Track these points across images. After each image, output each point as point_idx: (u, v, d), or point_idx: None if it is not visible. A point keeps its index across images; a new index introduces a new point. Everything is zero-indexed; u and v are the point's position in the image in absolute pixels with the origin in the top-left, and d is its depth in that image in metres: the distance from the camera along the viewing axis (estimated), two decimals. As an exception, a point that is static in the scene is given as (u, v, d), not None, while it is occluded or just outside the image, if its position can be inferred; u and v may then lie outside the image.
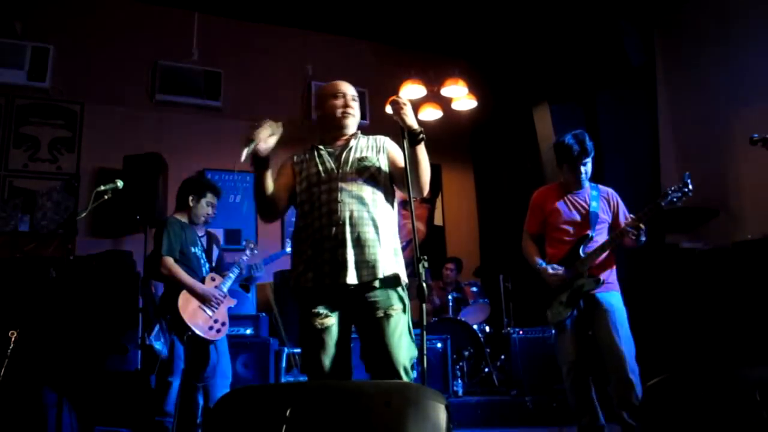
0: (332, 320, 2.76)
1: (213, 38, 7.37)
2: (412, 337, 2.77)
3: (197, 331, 4.11)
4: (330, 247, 2.77)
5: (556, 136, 4.12)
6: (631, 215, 3.77)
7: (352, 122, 3.03)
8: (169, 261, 4.21)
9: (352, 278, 2.73)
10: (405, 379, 2.72)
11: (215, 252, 4.88)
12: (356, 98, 3.06)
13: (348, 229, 2.77)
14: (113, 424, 5.17)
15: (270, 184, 2.90)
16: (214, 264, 4.77)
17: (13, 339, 4.05)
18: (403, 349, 2.71)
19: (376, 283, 2.76)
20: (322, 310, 2.77)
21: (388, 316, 2.73)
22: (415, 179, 2.78)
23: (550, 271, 3.83)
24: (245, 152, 2.74)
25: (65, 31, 6.76)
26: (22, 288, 5.08)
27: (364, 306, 2.77)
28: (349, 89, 3.05)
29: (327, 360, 2.73)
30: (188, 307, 4.17)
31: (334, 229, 2.77)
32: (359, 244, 2.77)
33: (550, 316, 3.88)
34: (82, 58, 6.77)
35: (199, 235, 4.77)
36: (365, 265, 2.76)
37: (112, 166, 6.31)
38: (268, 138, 2.80)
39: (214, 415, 1.86)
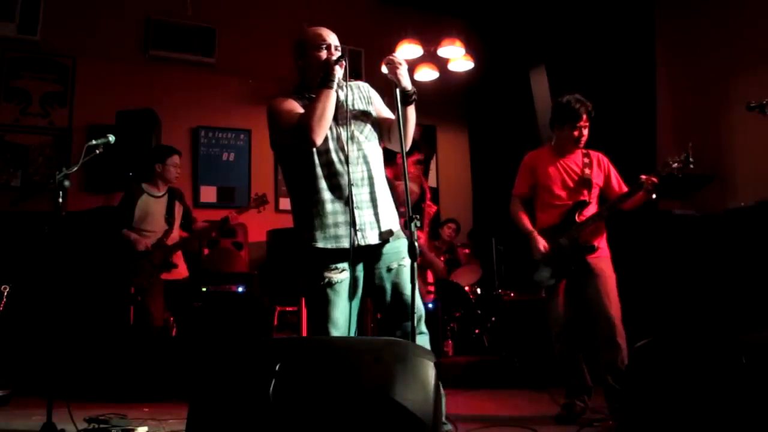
0: (345, 275, 2.77)
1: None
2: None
3: None
4: (342, 210, 2.76)
5: (553, 100, 4.08)
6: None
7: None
8: None
9: (372, 239, 2.77)
10: (423, 328, 2.84)
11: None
12: (339, 48, 2.89)
13: (359, 190, 2.79)
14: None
15: None
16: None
17: (5, 293, 4.07)
18: (417, 297, 2.72)
19: (389, 238, 2.82)
20: (333, 265, 2.77)
21: (401, 266, 2.80)
22: (403, 137, 2.76)
23: (540, 241, 3.83)
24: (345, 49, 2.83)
25: (56, -19, 6.61)
26: (14, 243, 5.07)
27: (375, 261, 2.81)
28: (332, 38, 2.89)
29: (339, 314, 2.75)
30: None
31: (345, 192, 2.76)
32: (373, 205, 2.81)
33: (540, 279, 3.89)
34: (73, 10, 6.62)
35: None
36: (380, 224, 2.80)
37: (105, 122, 6.24)
38: (342, 66, 2.78)
39: (207, 369, 1.87)
